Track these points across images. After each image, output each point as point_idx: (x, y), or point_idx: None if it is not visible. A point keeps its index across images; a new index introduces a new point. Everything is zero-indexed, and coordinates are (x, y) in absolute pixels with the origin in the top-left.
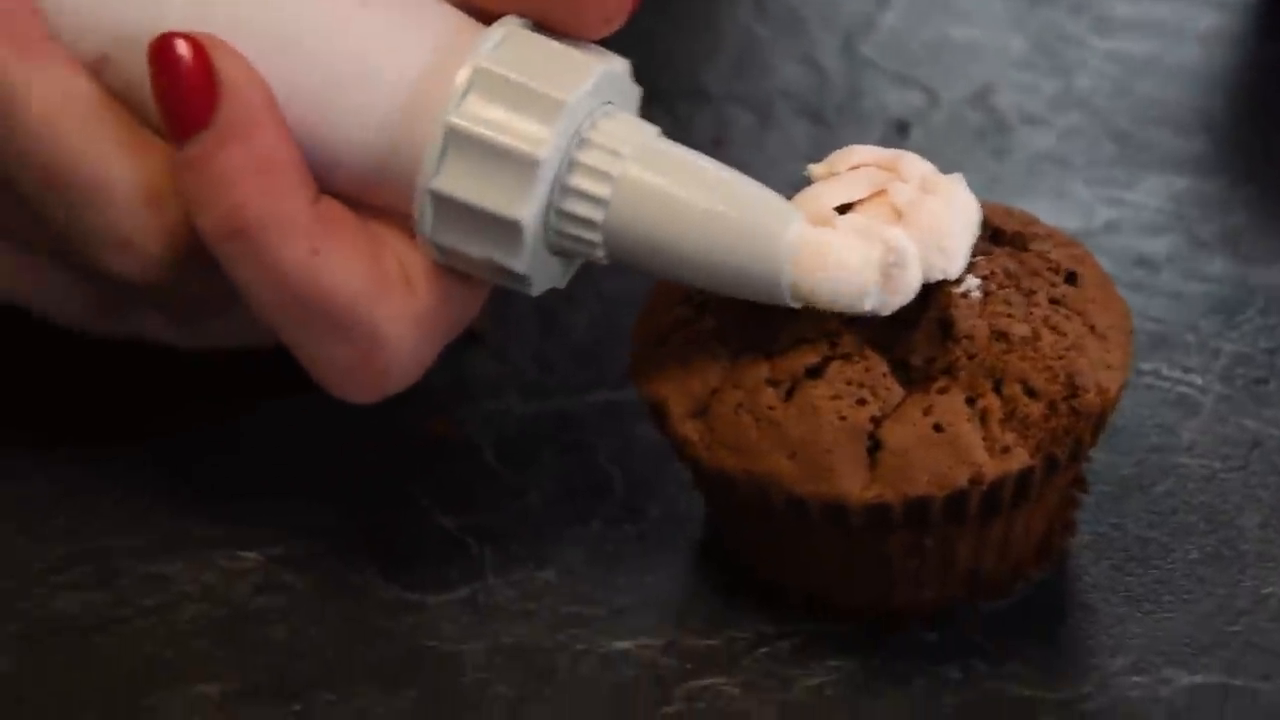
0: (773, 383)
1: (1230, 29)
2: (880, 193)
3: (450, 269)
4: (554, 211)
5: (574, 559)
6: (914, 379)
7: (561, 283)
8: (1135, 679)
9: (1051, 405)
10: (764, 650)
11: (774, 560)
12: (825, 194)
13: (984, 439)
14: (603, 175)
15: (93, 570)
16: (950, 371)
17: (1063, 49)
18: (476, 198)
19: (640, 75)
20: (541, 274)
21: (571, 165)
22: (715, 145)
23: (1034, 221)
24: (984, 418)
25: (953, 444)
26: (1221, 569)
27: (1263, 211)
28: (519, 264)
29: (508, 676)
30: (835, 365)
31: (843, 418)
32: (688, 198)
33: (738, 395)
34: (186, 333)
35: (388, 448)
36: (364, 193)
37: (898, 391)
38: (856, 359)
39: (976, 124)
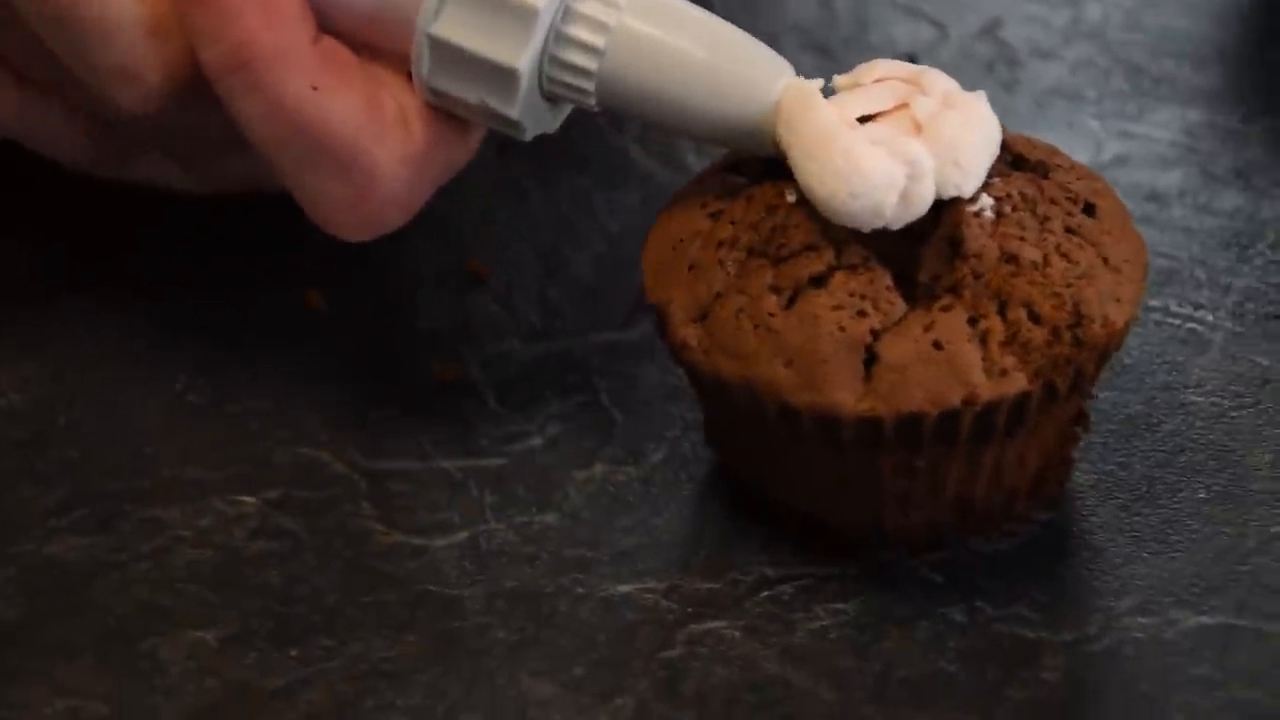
0: (775, 289)
1: None
2: (902, 105)
3: (445, 112)
4: (549, 59)
5: (576, 502)
6: (918, 295)
7: (553, 127)
8: (1142, 620)
9: (1055, 332)
10: (767, 594)
11: (766, 473)
12: (848, 105)
13: (983, 360)
14: (600, 25)
15: (90, 514)
16: (955, 290)
17: None
18: (474, 44)
19: None
20: (533, 119)
21: (568, 14)
22: None
23: (1057, 153)
24: (985, 339)
25: (950, 362)
26: (1230, 508)
27: (1276, 145)
28: (513, 110)
29: (509, 621)
30: (839, 275)
31: (842, 329)
32: (681, 48)
33: (740, 300)
34: (188, 176)
35: (389, 390)
36: (363, 32)
37: (900, 306)
38: (861, 270)
39: (986, 57)
